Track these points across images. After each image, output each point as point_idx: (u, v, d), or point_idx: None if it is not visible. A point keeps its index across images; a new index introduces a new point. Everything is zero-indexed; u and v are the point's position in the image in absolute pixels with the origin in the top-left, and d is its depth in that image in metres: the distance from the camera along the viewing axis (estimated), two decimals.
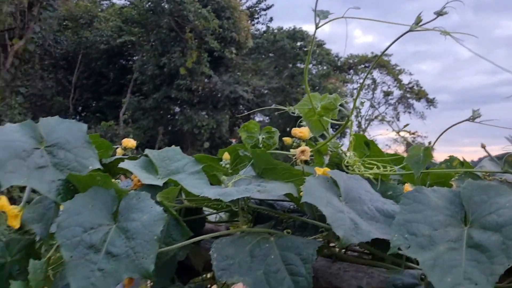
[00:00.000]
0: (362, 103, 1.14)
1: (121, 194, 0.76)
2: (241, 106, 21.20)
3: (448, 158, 0.99)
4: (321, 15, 0.72)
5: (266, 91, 21.32)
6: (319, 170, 0.82)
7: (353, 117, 0.94)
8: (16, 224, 0.91)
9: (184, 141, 16.63)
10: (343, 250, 0.92)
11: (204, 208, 1.05)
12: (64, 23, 18.70)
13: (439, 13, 0.71)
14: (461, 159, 0.95)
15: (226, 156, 0.91)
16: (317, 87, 23.47)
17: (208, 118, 18.75)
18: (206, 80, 18.62)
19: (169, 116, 19.40)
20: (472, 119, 0.72)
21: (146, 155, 0.95)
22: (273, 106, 1.13)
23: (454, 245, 0.63)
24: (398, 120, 29.97)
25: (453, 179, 0.83)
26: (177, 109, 19.45)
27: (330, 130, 0.94)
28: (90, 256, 0.70)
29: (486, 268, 0.58)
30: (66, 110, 18.21)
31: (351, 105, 1.03)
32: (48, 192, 0.75)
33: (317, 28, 0.73)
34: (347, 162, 0.87)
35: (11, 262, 0.93)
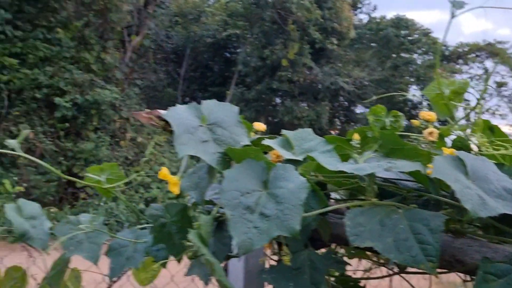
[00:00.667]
0: (484, 91, 1.17)
1: (270, 166, 0.90)
2: (341, 97, 20.96)
3: None
4: (456, 5, 0.78)
5: (368, 83, 20.84)
6: (446, 150, 0.89)
7: (480, 102, 0.99)
8: (176, 190, 1.09)
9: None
10: (467, 227, 0.98)
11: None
12: (175, 19, 19.90)
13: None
14: None
15: (356, 136, 1.01)
16: (421, 78, 22.40)
17: (309, 109, 18.84)
18: (307, 71, 18.70)
19: (270, 107, 19.82)
20: None
21: (283, 135, 1.08)
22: (397, 93, 1.20)
23: None
24: None
25: None
26: (278, 100, 19.80)
27: (458, 114, 1.00)
28: (247, 215, 0.84)
29: None
30: (175, 100, 19.45)
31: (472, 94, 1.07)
32: (212, 162, 0.92)
33: (453, 17, 0.79)
34: (477, 143, 0.93)
35: (171, 222, 1.12)
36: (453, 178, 0.84)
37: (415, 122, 1.00)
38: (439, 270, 1.03)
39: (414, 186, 1.11)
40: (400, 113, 1.07)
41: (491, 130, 1.07)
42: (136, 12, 15.46)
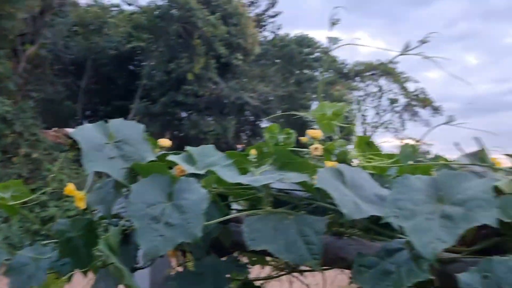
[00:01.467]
0: (360, 108, 1.35)
1: (174, 179, 0.98)
2: (247, 112, 21.43)
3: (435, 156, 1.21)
4: (332, 40, 0.93)
5: (272, 98, 21.58)
6: (329, 163, 1.04)
7: (359, 122, 1.16)
8: (82, 205, 1.13)
9: (190, 146, 16.82)
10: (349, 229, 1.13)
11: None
12: (75, 29, 19.06)
13: (423, 42, 0.92)
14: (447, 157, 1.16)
15: (253, 152, 1.13)
16: (323, 94, 23.70)
17: (215, 123, 19.02)
18: (213, 86, 18.90)
19: (176, 121, 19.69)
20: (447, 122, 0.93)
21: (186, 151, 1.17)
22: (287, 113, 1.35)
23: (430, 216, 0.84)
24: (403, 128, 30.03)
25: (433, 169, 1.05)
26: (184, 114, 19.73)
27: (342, 132, 1.16)
28: (153, 225, 0.92)
29: (453, 231, 0.79)
30: (74, 114, 18.55)
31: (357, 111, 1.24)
32: (119, 177, 0.97)
33: (329, 51, 0.94)
34: (349, 156, 1.09)
35: (78, 236, 1.15)
36: (333, 187, 0.98)
37: (303, 139, 1.14)
38: (324, 267, 1.18)
39: (305, 195, 1.25)
40: (291, 131, 1.21)
41: (368, 145, 1.25)
42: (31, 20, 14.60)
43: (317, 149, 1.07)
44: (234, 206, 1.40)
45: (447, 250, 0.91)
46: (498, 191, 0.88)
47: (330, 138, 1.29)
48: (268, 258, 1.48)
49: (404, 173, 1.11)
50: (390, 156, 1.12)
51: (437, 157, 1.16)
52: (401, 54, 0.95)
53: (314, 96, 24.13)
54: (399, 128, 30.08)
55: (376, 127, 30.35)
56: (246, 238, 0.97)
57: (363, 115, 29.72)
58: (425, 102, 29.66)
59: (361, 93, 30.71)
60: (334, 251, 1.10)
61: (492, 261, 0.71)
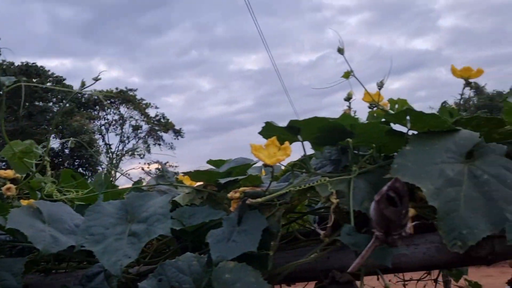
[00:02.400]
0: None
1: None
2: None
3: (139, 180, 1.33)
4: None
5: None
6: (24, 202, 1.03)
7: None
8: None
9: None
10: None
11: None
12: None
13: (96, 79, 1.02)
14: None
15: None
16: (60, 126, 22.30)
17: None
18: None
19: None
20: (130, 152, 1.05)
21: None
22: None
23: (120, 237, 0.93)
24: (149, 152, 30.71)
25: (125, 193, 1.16)
26: None
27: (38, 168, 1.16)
28: None
29: (137, 246, 0.90)
30: None
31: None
32: None
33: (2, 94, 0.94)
34: (46, 192, 1.10)
35: None
36: (27, 225, 0.97)
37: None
38: None
39: (8, 238, 1.19)
40: None
41: (74, 177, 1.28)
42: None
43: (9, 189, 1.04)
44: None
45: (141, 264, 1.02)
46: (175, 204, 1.04)
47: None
48: None
49: (109, 199, 1.18)
50: (86, 186, 1.18)
51: (139, 182, 1.28)
52: (77, 92, 1.02)
53: (49, 128, 22.50)
54: (145, 153, 30.61)
55: (122, 154, 30.20)
56: None
57: (106, 144, 29.25)
58: (167, 126, 31.11)
59: (102, 122, 30.16)
60: None
61: (164, 265, 0.84)
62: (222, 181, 1.04)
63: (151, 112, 32.21)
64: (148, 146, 32.00)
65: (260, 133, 0.95)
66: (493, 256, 0.90)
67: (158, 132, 32.40)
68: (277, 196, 0.89)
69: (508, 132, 1.14)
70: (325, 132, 0.95)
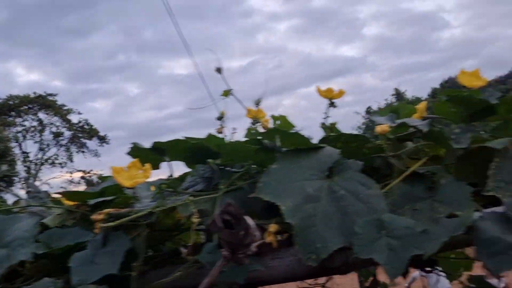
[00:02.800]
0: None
1: None
2: None
3: None
4: None
5: None
6: None
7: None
8: None
9: None
10: None
11: None
12: None
13: None
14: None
15: None
16: None
17: None
18: None
19: None
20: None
21: None
22: None
23: None
24: (71, 161, 29.37)
25: None
26: None
27: None
28: None
29: None
30: None
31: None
32: None
33: None
34: None
35: None
36: None
37: None
38: None
39: None
40: None
41: None
42: None
43: None
44: None
45: None
46: (45, 226, 1.02)
47: None
48: None
49: None
50: None
51: (16, 202, 1.23)
52: None
53: None
54: (67, 161, 29.26)
55: (41, 163, 28.63)
56: None
57: (24, 152, 27.56)
58: (91, 133, 29.90)
59: (19, 128, 28.43)
60: None
61: None
62: (92, 201, 1.03)
63: (74, 118, 30.81)
64: (71, 154, 30.58)
65: (128, 153, 0.96)
66: (346, 267, 0.97)
67: (82, 139, 31.02)
68: (142, 216, 0.90)
69: (376, 147, 1.23)
70: (192, 152, 0.97)
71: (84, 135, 30.62)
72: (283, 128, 1.35)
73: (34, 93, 29.79)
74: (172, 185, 0.98)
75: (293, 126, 1.34)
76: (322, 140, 1.16)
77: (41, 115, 30.07)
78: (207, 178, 1.07)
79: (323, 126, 1.42)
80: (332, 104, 1.19)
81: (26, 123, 29.17)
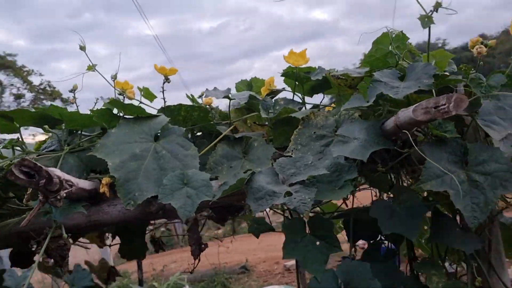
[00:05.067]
0: None
1: None
2: None
3: None
4: None
5: None
6: None
7: None
8: None
9: None
10: None
11: None
12: None
13: None
14: None
15: None
16: None
17: None
18: None
19: None
20: None
21: None
22: None
23: None
24: None
25: None
26: None
27: None
28: None
29: None
30: None
31: None
32: None
33: None
34: None
35: None
36: None
37: None
38: None
39: None
40: None
41: None
42: None
43: None
44: None
45: None
46: None
47: None
48: None
49: None
50: None
51: None
52: None
53: None
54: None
55: None
56: None
57: None
58: (53, 95, 29.25)
59: None
60: None
61: None
62: None
63: (35, 80, 30.03)
64: None
65: None
66: (163, 212, 1.21)
67: (44, 101, 30.34)
68: None
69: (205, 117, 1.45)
70: (39, 120, 1.19)
71: (46, 97, 29.91)
72: (147, 97, 1.58)
73: None
74: (21, 145, 1.19)
75: (155, 97, 1.56)
76: (166, 109, 1.38)
77: (1, 76, 29.18)
78: (59, 141, 1.29)
79: (188, 96, 1.65)
80: (167, 80, 1.41)
81: None
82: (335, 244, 1.10)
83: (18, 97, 29.61)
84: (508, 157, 1.01)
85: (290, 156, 1.23)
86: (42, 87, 29.70)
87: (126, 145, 1.21)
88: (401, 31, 1.36)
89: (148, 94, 1.54)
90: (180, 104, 1.37)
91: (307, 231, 1.12)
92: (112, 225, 1.52)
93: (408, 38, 1.38)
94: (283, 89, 1.62)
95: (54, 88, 30.37)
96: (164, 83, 1.41)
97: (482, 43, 1.11)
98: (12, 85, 28.85)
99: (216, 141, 1.33)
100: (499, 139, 1.02)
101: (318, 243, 1.09)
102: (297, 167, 1.11)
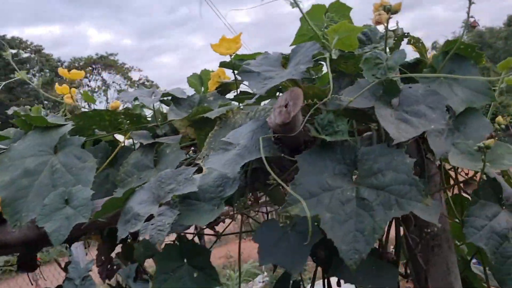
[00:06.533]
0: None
1: None
2: None
3: None
4: None
5: None
6: None
7: None
8: None
9: None
10: None
11: None
12: None
13: None
14: None
15: None
16: (40, 98, 22.34)
17: None
18: None
19: None
20: None
21: None
22: None
23: None
24: None
25: None
26: None
27: None
28: None
29: None
30: None
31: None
32: None
33: None
34: None
35: None
36: None
37: None
38: None
39: None
40: None
41: None
42: None
43: None
44: None
45: None
46: None
47: None
48: None
49: None
50: None
51: None
52: None
53: (31, 99, 22.55)
54: None
55: None
56: None
57: None
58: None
59: (86, 89, 30.08)
60: None
61: None
62: None
63: (135, 76, 32.06)
64: None
65: None
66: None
67: None
68: None
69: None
70: None
71: None
72: (87, 100, 1.48)
73: (96, 54, 31.20)
74: None
75: (94, 100, 1.46)
76: (82, 115, 1.27)
77: (105, 75, 31.56)
78: None
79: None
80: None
81: (91, 83, 30.80)
82: (214, 277, 0.90)
83: (120, 93, 31.87)
84: (410, 163, 0.72)
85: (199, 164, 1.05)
86: (141, 82, 31.67)
87: (21, 160, 1.13)
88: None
89: (87, 98, 1.45)
90: (99, 110, 1.25)
91: (184, 260, 0.94)
92: (16, 247, 1.45)
93: (350, 9, 1.10)
94: (235, 80, 1.41)
95: (152, 82, 32.24)
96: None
97: (385, 8, 0.82)
98: (114, 82, 31.13)
99: (117, 149, 1.19)
100: (404, 140, 0.73)
101: (195, 274, 0.90)
102: (178, 181, 0.93)
